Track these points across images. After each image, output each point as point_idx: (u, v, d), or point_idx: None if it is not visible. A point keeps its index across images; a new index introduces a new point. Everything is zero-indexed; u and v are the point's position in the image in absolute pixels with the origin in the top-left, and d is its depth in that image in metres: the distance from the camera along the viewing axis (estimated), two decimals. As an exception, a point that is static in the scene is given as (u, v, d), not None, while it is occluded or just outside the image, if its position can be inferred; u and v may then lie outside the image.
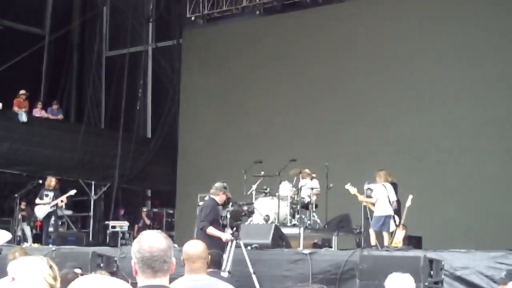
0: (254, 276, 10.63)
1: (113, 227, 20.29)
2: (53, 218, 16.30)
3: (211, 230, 10.60)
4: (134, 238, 21.71)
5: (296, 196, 13.99)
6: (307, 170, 14.33)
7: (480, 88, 17.32)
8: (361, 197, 12.84)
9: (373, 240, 12.47)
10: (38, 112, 21.54)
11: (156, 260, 3.12)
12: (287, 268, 11.07)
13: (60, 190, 16.75)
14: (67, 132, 22.18)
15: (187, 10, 22.35)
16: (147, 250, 3.13)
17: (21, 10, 23.99)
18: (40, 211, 16.17)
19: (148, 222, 21.22)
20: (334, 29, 19.82)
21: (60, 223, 17.09)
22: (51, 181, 16.50)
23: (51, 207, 16.08)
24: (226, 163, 19.29)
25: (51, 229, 16.31)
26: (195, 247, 5.28)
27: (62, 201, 16.35)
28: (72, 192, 16.92)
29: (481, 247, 11.20)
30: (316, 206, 14.25)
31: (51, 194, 16.19)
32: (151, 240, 3.17)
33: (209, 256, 5.52)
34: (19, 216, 18.20)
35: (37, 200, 16.34)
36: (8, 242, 2.85)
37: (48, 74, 24.88)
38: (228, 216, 11.26)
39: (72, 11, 25.19)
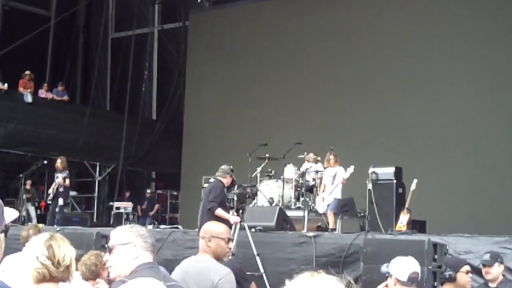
0: (258, 258, 10.68)
1: (118, 208, 20.32)
2: (61, 200, 16.23)
3: (220, 212, 10.58)
4: (138, 219, 21.64)
5: (300, 179, 13.99)
6: (312, 155, 14.31)
7: (486, 74, 17.25)
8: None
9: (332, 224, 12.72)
10: (43, 94, 21.49)
11: None
12: (291, 251, 11.10)
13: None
14: (72, 113, 22.16)
15: (193, -8, 22.31)
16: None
17: (27, -9, 23.97)
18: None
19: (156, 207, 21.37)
20: (340, 13, 19.74)
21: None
22: (57, 162, 16.51)
23: (54, 190, 16.12)
24: (231, 145, 19.29)
25: (57, 209, 16.31)
26: (220, 227, 5.22)
27: (62, 182, 16.18)
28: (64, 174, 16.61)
29: (485, 232, 11.18)
30: (320, 190, 14.23)
31: (60, 176, 16.22)
32: None
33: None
34: (24, 196, 18.24)
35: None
36: (12, 222, 2.86)
37: (54, 55, 24.86)
38: (235, 198, 11.27)
39: (78, -8, 25.14)
